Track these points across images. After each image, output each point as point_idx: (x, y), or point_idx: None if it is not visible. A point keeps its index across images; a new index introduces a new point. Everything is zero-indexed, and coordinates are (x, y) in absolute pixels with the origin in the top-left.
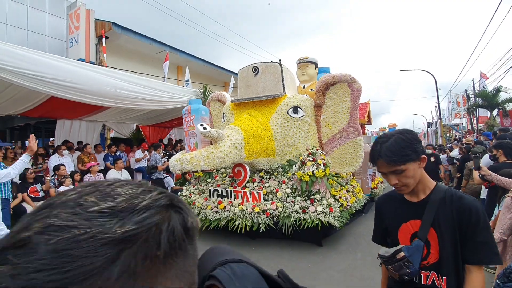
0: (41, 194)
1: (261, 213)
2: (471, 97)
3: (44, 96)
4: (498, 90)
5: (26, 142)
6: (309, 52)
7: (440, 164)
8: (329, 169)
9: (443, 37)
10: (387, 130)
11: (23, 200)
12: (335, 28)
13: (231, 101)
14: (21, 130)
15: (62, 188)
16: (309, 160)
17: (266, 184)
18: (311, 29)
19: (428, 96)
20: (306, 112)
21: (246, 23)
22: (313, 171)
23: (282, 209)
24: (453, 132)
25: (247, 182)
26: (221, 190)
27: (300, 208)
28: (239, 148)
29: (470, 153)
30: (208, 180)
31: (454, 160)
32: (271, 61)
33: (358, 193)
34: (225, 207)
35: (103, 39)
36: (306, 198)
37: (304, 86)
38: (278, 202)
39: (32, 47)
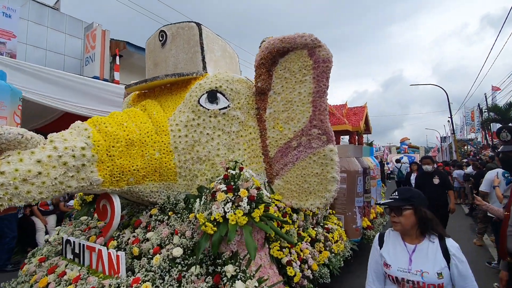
0: (51, 207)
1: None
2: (485, 111)
3: (58, 112)
4: (510, 104)
5: None
6: None
7: (450, 189)
8: (265, 207)
9: (455, 48)
10: (399, 145)
11: (32, 214)
12: (345, 45)
13: (125, 88)
14: None
15: (71, 202)
16: (221, 190)
17: (149, 234)
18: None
19: (441, 110)
20: (234, 101)
21: (256, 42)
22: (225, 212)
23: None
24: (468, 147)
25: (127, 227)
26: (74, 243)
27: None
28: (78, 164)
29: (485, 169)
30: (83, 218)
31: (470, 177)
32: (186, 22)
33: (337, 241)
34: (48, 284)
35: (117, 58)
36: (212, 270)
37: None
38: (147, 281)
39: (50, 66)
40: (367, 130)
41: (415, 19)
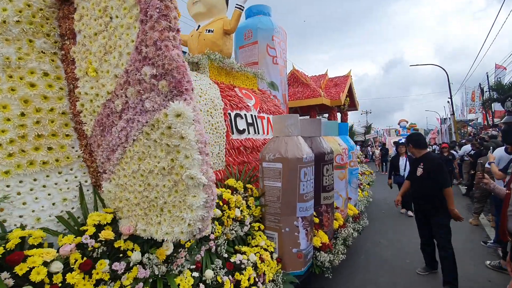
0: None
1: None
2: (486, 91)
3: None
4: None
5: None
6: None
7: (444, 186)
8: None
9: (459, 27)
10: (399, 128)
11: None
12: (343, 24)
13: None
14: None
15: None
16: None
17: None
18: (319, 25)
19: (441, 91)
20: None
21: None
22: None
23: None
24: (469, 128)
25: None
26: None
27: None
28: None
29: (483, 148)
30: None
31: (465, 157)
32: None
33: (251, 287)
34: None
35: None
36: None
37: (198, 26)
38: None
39: None
40: (352, 105)
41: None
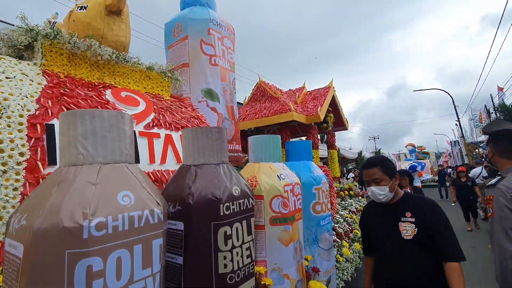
0: None
1: None
2: (492, 112)
3: None
4: None
5: None
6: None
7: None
8: None
9: (458, 51)
10: (407, 151)
11: None
12: (345, 55)
13: None
14: None
15: None
16: None
17: None
18: (322, 58)
19: (447, 114)
20: None
21: (256, 57)
22: None
23: None
24: (480, 150)
25: None
26: None
27: None
28: None
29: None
30: None
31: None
32: None
33: None
34: None
35: None
36: None
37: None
38: None
39: None
40: (340, 124)
41: (414, 25)
